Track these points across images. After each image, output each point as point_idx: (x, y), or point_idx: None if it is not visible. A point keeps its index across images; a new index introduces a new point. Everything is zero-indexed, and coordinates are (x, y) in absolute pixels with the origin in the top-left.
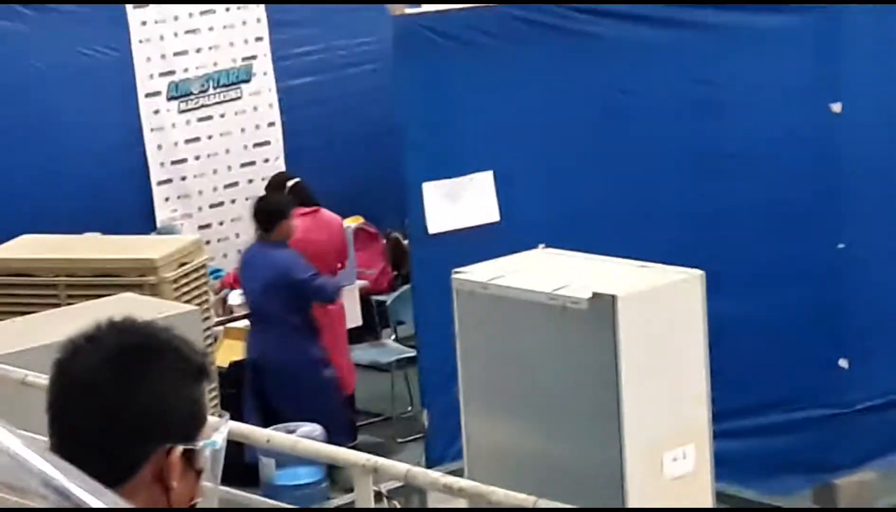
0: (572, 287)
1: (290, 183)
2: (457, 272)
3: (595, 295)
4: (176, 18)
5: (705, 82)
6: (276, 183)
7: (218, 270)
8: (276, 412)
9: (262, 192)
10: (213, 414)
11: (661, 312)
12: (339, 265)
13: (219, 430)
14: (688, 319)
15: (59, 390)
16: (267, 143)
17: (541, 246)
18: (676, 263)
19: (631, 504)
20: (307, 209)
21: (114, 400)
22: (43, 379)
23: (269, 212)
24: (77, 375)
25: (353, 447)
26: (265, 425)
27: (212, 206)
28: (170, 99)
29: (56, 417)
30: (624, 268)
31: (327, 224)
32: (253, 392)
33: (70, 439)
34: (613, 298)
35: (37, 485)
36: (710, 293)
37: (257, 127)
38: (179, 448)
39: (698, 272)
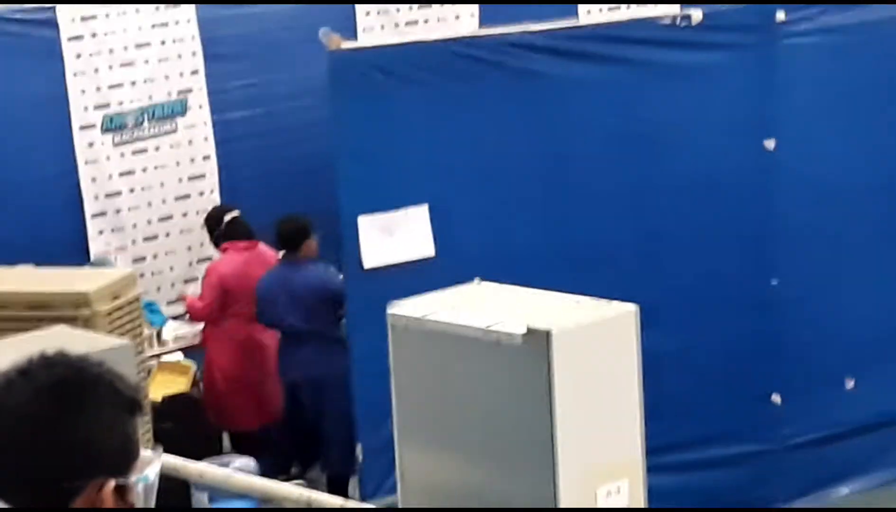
0: (507, 322)
1: (227, 216)
2: (392, 306)
3: (529, 330)
4: (111, 51)
5: (642, 119)
6: (214, 216)
7: (152, 304)
8: (316, 431)
9: (196, 225)
10: (146, 448)
11: (595, 347)
12: None
13: (151, 464)
14: (622, 353)
15: None
16: (202, 176)
17: (476, 280)
18: (612, 297)
19: None
20: (244, 243)
21: (46, 433)
22: None
23: (296, 230)
24: (9, 408)
25: (287, 479)
26: (301, 449)
27: (146, 238)
28: (105, 131)
29: None
30: (559, 303)
31: (265, 259)
32: (289, 416)
33: (0, 471)
34: (548, 333)
35: None
36: (646, 328)
37: (192, 160)
38: (112, 482)
39: (633, 307)
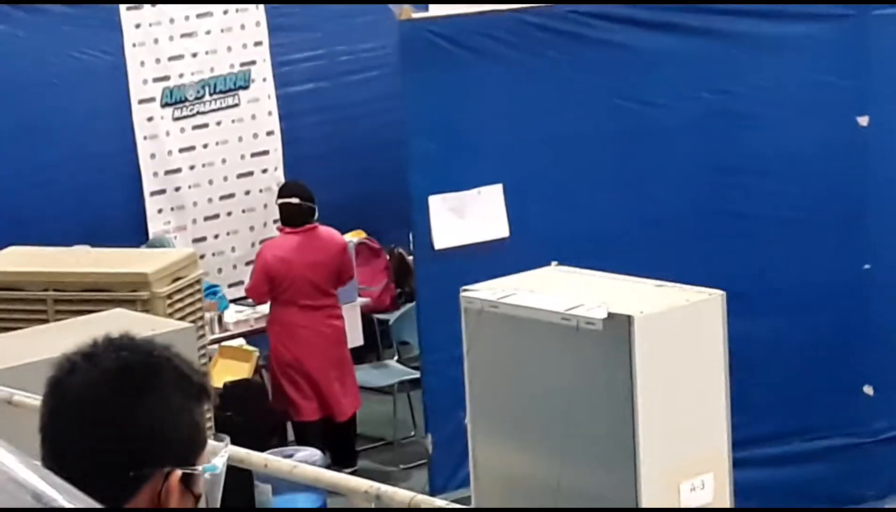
0: (587, 307)
1: (278, 201)
2: (465, 290)
3: (610, 315)
4: (172, 21)
5: (727, 93)
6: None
7: (214, 286)
8: None
9: (259, 204)
10: (210, 437)
11: (679, 334)
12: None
13: (219, 454)
14: (707, 341)
15: (53, 410)
16: (265, 152)
17: (553, 263)
18: (696, 282)
19: None
20: (303, 227)
21: (112, 420)
22: (30, 398)
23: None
24: (74, 394)
25: (354, 473)
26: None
27: (206, 218)
28: (164, 106)
29: (50, 437)
30: (641, 287)
31: (323, 243)
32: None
33: (65, 461)
34: (630, 318)
35: (28, 500)
36: (731, 314)
37: (255, 136)
38: (178, 472)
39: (719, 292)
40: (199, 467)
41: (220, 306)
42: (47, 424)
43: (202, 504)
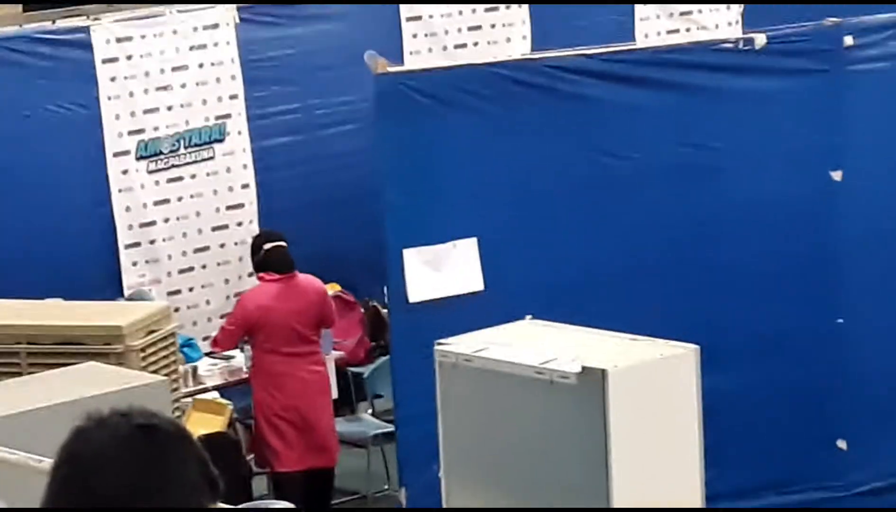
0: (561, 360)
1: (267, 245)
2: (440, 344)
3: (585, 369)
4: (147, 74)
5: (699, 146)
6: (255, 243)
7: (190, 339)
8: None
9: (234, 257)
10: None
11: (653, 388)
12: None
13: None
14: (681, 395)
15: (66, 476)
16: (241, 205)
17: (528, 317)
18: (669, 335)
19: None
20: (278, 275)
21: (142, 489)
22: (5, 452)
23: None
24: (90, 457)
25: None
26: None
27: (181, 271)
28: (139, 158)
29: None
30: (615, 341)
31: (303, 290)
32: None
33: None
34: (604, 372)
35: None
36: (705, 367)
37: (230, 189)
38: None
39: (692, 347)
40: None
41: (192, 358)
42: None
43: None
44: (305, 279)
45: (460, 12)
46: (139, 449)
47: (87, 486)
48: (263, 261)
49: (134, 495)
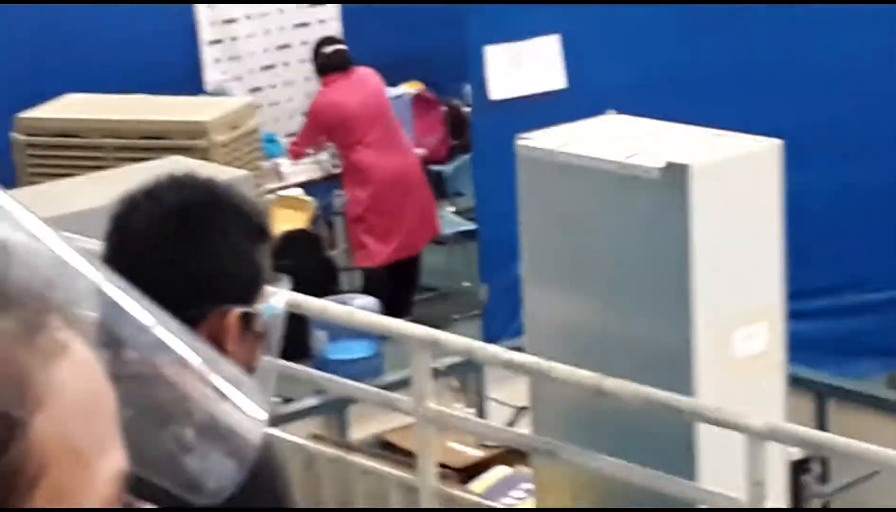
0: (644, 156)
1: (328, 49)
2: (521, 138)
3: (668, 164)
4: None
5: None
6: (316, 48)
7: (271, 136)
8: None
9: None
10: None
11: (736, 184)
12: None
13: (278, 294)
14: (764, 191)
15: (114, 246)
16: (322, 1)
17: (610, 111)
18: (755, 131)
19: (699, 384)
20: (342, 73)
21: (172, 256)
22: (90, 244)
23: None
24: (135, 230)
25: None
26: None
27: (263, 67)
28: None
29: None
30: (698, 136)
31: (360, 83)
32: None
33: None
34: (686, 167)
35: (84, 297)
36: (788, 165)
37: None
38: (237, 310)
39: (776, 142)
40: (260, 307)
41: (273, 153)
42: (108, 260)
43: (263, 347)
44: (364, 72)
45: None
46: (175, 226)
47: (131, 253)
48: (326, 62)
49: (172, 264)
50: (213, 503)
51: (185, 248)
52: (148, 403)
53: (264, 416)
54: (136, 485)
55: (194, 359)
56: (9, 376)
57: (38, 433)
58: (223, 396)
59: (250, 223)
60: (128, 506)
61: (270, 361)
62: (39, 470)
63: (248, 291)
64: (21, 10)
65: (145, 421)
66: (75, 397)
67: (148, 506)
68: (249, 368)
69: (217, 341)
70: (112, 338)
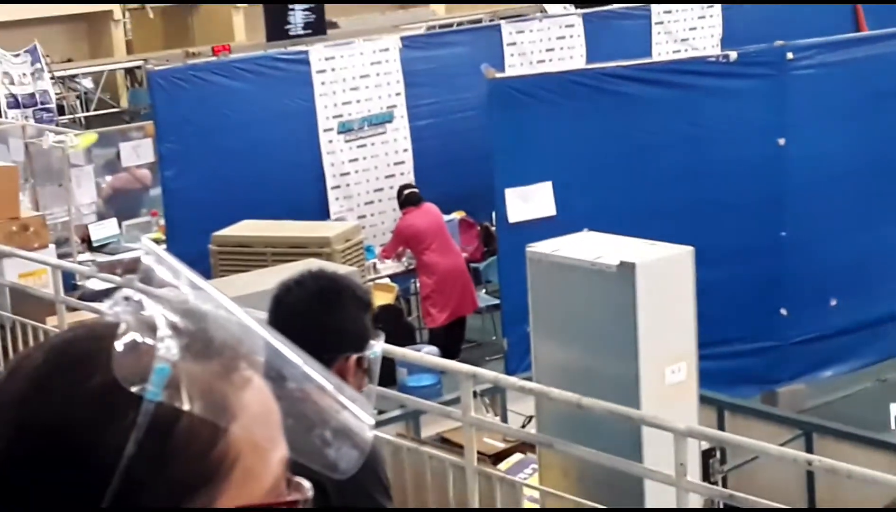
0: (606, 257)
1: (406, 191)
2: (530, 247)
3: (621, 263)
4: (344, 80)
5: (694, 124)
6: (399, 191)
7: (370, 246)
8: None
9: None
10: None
11: (666, 274)
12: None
13: (377, 345)
14: (683, 279)
15: (276, 315)
16: (402, 162)
17: (585, 230)
18: (676, 242)
19: (644, 401)
20: (416, 206)
21: (314, 322)
22: (260, 314)
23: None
24: (289, 305)
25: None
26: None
27: (366, 203)
28: (339, 133)
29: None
30: (641, 245)
31: (427, 212)
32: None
33: None
34: (633, 265)
35: (259, 348)
36: (697, 264)
37: (396, 152)
38: (354, 356)
39: (690, 248)
40: (368, 352)
41: (370, 257)
42: (272, 324)
43: (367, 380)
44: (429, 205)
45: (541, 40)
46: (315, 302)
47: (287, 319)
48: (405, 200)
49: (314, 326)
50: (343, 477)
51: (322, 317)
52: (300, 415)
53: (371, 421)
54: (294, 467)
55: (328, 385)
56: (215, 400)
57: (234, 435)
58: (346, 408)
59: (361, 300)
60: (290, 479)
61: (372, 387)
62: (235, 458)
63: (361, 343)
64: (216, 160)
65: (299, 426)
66: (256, 412)
67: (302, 480)
68: (360, 390)
69: (342, 374)
70: (277, 373)
